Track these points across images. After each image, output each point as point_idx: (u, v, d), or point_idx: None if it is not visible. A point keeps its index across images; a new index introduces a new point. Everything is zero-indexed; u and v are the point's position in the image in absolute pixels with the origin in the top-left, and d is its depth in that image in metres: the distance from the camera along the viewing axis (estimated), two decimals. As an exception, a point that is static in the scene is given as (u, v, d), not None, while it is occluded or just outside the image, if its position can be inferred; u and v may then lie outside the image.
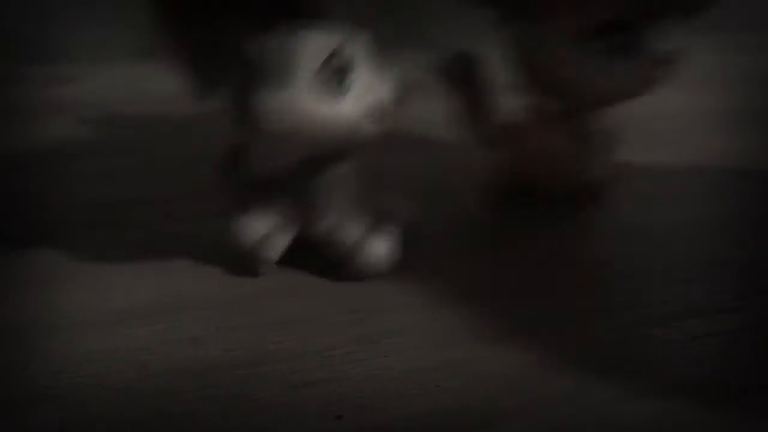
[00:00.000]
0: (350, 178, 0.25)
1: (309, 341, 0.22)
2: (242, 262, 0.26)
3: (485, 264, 0.27)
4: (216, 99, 0.24)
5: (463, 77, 0.30)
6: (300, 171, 0.25)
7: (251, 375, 0.20)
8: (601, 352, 0.21)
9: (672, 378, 0.20)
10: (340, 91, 0.22)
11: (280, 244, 0.26)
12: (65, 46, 0.66)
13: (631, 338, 0.22)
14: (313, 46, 0.22)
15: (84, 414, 0.19)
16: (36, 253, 0.28)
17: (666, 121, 0.47)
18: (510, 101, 0.30)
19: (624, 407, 0.19)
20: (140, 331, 0.23)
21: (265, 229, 0.25)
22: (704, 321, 0.23)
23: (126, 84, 0.60)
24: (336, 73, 0.22)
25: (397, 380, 0.20)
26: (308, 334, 0.22)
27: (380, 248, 0.25)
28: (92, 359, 0.21)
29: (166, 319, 0.23)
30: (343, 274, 0.25)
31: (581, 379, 0.20)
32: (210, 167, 0.39)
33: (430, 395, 0.19)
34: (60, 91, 0.57)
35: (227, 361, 0.21)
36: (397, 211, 0.27)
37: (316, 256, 0.26)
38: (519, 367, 0.21)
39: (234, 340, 0.22)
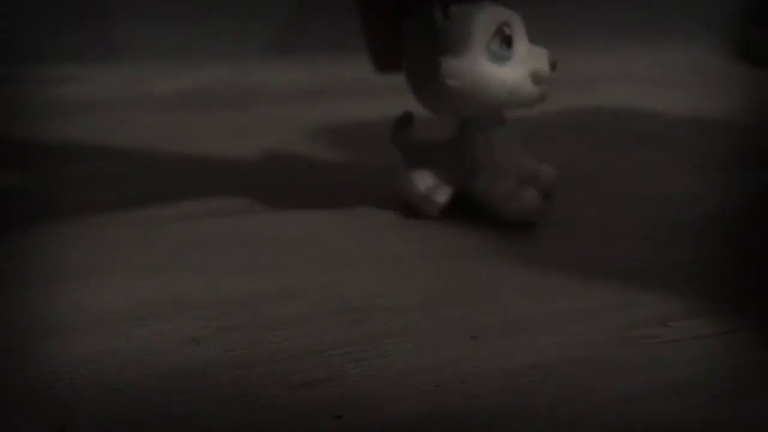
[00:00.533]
0: (507, 138, 0.31)
1: (309, 341, 0.22)
2: (417, 206, 0.31)
3: (486, 264, 0.27)
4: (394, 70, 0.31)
5: None
6: (463, 131, 0.31)
7: (251, 375, 0.20)
8: (602, 352, 0.21)
9: (672, 378, 0.20)
10: (505, 59, 0.28)
11: (446, 191, 0.31)
12: (65, 46, 0.66)
13: (631, 338, 0.22)
14: (486, 21, 0.28)
15: (84, 414, 0.19)
16: (36, 253, 0.28)
17: (666, 121, 0.47)
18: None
19: (624, 407, 0.19)
20: (140, 331, 0.23)
21: (431, 181, 0.31)
22: (704, 321, 0.23)
23: (126, 84, 0.60)
24: (502, 44, 0.28)
25: (397, 380, 0.20)
26: (308, 334, 0.22)
27: (530, 198, 0.30)
28: (92, 359, 0.21)
29: (166, 319, 0.23)
30: (500, 219, 0.30)
31: (581, 379, 0.20)
32: (209, 169, 0.39)
33: (430, 395, 0.19)
34: (60, 91, 0.57)
35: (227, 361, 0.21)
36: (540, 172, 0.32)
37: (476, 206, 0.31)
38: (519, 367, 0.21)
39: (234, 340, 0.22)
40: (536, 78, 0.28)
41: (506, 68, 0.28)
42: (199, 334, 0.22)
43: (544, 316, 0.23)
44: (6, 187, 0.36)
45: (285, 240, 0.29)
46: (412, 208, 0.31)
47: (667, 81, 0.60)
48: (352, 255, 0.28)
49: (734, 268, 0.26)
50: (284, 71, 0.65)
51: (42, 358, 0.21)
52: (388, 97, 0.35)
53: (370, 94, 0.50)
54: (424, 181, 0.31)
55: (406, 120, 0.33)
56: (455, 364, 0.21)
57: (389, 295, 0.25)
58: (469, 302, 0.24)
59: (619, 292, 0.25)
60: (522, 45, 0.28)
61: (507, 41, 0.28)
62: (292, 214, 0.31)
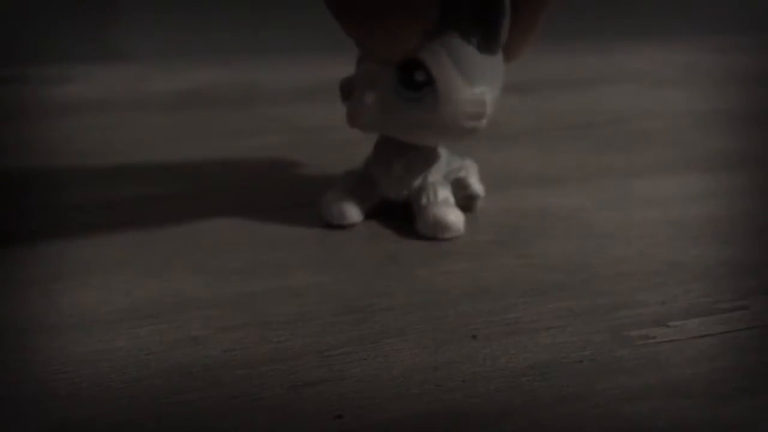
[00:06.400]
0: (432, 152, 0.30)
1: (309, 341, 0.22)
2: (334, 217, 0.30)
3: (485, 263, 0.27)
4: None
5: None
6: (385, 151, 0.30)
7: (251, 375, 0.20)
8: (602, 352, 0.21)
9: (672, 378, 0.20)
10: (419, 99, 0.27)
11: (365, 205, 0.31)
12: (65, 46, 0.66)
13: (631, 338, 0.22)
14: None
15: (84, 414, 0.19)
16: (36, 253, 0.28)
17: (666, 121, 0.47)
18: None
19: (624, 407, 0.19)
20: (140, 331, 0.23)
21: (355, 196, 0.30)
22: (704, 321, 0.23)
23: (126, 84, 0.60)
24: (418, 83, 0.26)
25: (397, 380, 0.20)
26: (308, 334, 0.22)
27: (449, 213, 0.29)
28: (92, 359, 0.21)
29: (166, 319, 0.23)
30: (418, 230, 0.29)
31: (581, 379, 0.20)
32: (209, 169, 0.39)
33: (430, 395, 0.19)
34: (60, 91, 0.57)
35: (227, 361, 0.21)
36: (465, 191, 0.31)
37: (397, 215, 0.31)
38: (519, 367, 0.21)
39: (234, 340, 0.22)
40: (453, 122, 0.27)
41: (418, 110, 0.27)
42: (199, 334, 0.22)
43: (544, 316, 0.23)
44: (5, 187, 0.36)
45: (285, 240, 0.29)
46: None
47: (667, 81, 0.60)
48: (352, 255, 0.28)
49: (735, 268, 0.26)
50: (284, 71, 0.65)
51: (42, 358, 0.21)
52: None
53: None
54: (337, 198, 0.30)
55: None
56: (455, 364, 0.21)
57: (389, 295, 0.25)
58: (469, 302, 0.24)
59: (619, 292, 0.25)
60: (444, 84, 0.26)
61: (424, 80, 0.26)
62: (292, 214, 0.31)
